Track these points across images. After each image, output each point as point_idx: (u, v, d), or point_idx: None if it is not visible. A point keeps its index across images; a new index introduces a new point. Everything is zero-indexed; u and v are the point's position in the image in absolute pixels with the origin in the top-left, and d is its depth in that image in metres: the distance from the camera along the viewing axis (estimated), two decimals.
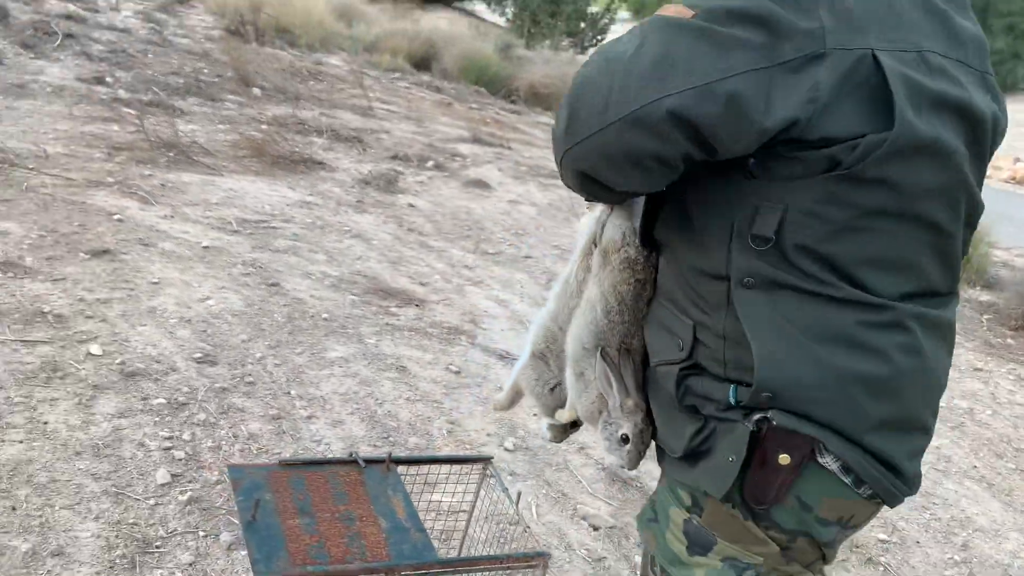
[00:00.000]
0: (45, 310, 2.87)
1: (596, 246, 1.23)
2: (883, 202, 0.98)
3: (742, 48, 0.93)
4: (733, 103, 0.92)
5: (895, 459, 1.04)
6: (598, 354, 1.20)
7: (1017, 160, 13.57)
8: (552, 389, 1.32)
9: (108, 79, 6.23)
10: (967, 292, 5.46)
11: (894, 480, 1.05)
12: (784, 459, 1.04)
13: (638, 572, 2.07)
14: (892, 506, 1.08)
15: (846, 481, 1.04)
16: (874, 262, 1.01)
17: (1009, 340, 4.66)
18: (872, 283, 1.01)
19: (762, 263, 1.01)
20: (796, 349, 1.02)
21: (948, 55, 1.01)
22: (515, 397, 1.42)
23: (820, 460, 1.03)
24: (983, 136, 1.04)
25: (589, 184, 1.09)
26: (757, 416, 1.04)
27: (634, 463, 1.20)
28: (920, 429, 1.08)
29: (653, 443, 1.21)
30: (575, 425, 1.32)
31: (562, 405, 1.30)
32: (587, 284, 1.24)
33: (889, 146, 0.94)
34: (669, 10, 0.99)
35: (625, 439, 1.19)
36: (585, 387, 1.23)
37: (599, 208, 1.25)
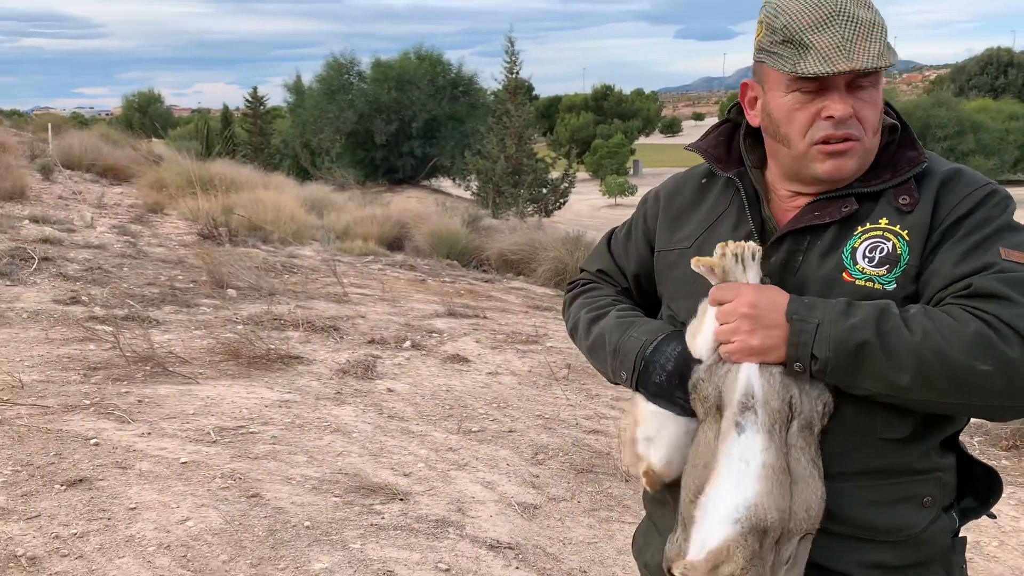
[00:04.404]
0: (19, 553, 2.79)
1: (794, 419, 1.20)
2: None
3: None
4: None
5: None
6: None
7: None
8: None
9: (84, 298, 6.35)
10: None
11: None
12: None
13: None
14: None
15: None
16: None
17: (1004, 462, 4.61)
18: None
19: None
20: None
21: None
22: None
23: None
24: None
25: None
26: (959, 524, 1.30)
27: None
28: None
29: None
30: None
31: None
32: (793, 460, 1.20)
33: None
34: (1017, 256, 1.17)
35: None
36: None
37: (758, 376, 1.21)
